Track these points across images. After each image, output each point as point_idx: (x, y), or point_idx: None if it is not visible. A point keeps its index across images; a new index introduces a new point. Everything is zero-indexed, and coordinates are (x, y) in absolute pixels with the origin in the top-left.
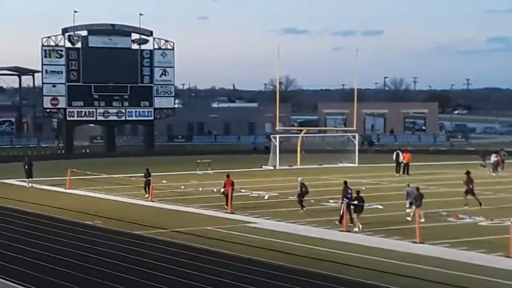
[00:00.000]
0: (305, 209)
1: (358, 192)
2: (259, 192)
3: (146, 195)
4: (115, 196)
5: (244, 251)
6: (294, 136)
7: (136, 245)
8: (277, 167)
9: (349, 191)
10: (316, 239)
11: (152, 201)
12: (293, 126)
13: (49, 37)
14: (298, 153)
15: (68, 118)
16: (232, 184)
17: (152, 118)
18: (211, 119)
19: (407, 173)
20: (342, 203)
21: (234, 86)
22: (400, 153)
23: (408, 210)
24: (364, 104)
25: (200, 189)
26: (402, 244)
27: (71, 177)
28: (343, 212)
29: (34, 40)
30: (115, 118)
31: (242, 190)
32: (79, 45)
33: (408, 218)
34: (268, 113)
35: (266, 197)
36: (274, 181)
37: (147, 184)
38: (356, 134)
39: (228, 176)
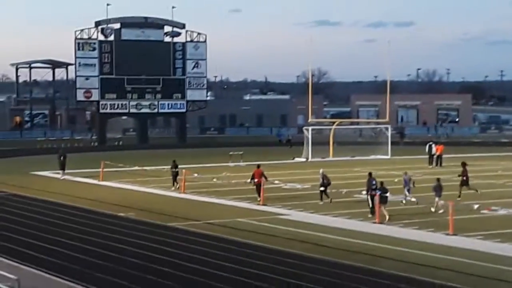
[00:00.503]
0: (327, 200)
1: (382, 183)
2: (292, 184)
3: (173, 188)
4: (148, 188)
5: (276, 243)
6: (326, 128)
7: (169, 237)
8: (309, 159)
9: (374, 182)
10: (349, 231)
11: (185, 193)
12: (326, 118)
13: (82, 30)
14: (331, 145)
15: (101, 111)
16: (262, 174)
17: (184, 110)
18: (243, 111)
19: (440, 165)
20: (368, 194)
21: (266, 79)
22: (433, 145)
23: (408, 198)
24: (396, 96)
25: (233, 181)
26: (435, 236)
27: (104, 169)
28: (373, 204)
29: (68, 33)
30: (147, 110)
31: (275, 182)
32: (112, 38)
33: (432, 209)
34: (300, 105)
35: (299, 189)
36: (307, 173)
37: (175, 175)
38: (389, 126)
39: (258, 166)
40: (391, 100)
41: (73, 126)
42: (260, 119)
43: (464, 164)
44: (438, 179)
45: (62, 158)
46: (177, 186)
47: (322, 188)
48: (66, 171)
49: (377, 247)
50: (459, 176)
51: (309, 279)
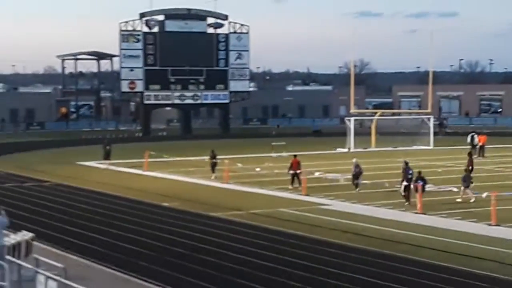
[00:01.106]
0: (358, 189)
1: (419, 172)
2: (334, 175)
3: (212, 177)
4: (192, 178)
5: (318, 233)
6: (368, 118)
7: (212, 227)
8: (351, 150)
9: (410, 172)
10: (392, 221)
11: (228, 183)
12: (368, 109)
13: (127, 22)
14: (373, 136)
15: (145, 102)
16: (299, 164)
17: (227, 101)
18: (286, 102)
19: (483, 156)
20: (402, 184)
21: (308, 69)
22: (476, 136)
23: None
24: (439, 87)
25: (275, 171)
26: (477, 226)
27: (148, 160)
28: (407, 193)
29: (113, 25)
30: (191, 101)
31: (317, 173)
32: (156, 29)
33: (459, 199)
34: (343, 96)
35: (341, 180)
36: (349, 163)
37: (213, 165)
38: (431, 117)
39: (295, 156)
40: (433, 90)
41: (118, 117)
42: (302, 110)
43: (470, 154)
44: (466, 170)
45: (107, 148)
46: (215, 176)
47: (355, 180)
48: (111, 161)
49: (419, 237)
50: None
51: (352, 269)
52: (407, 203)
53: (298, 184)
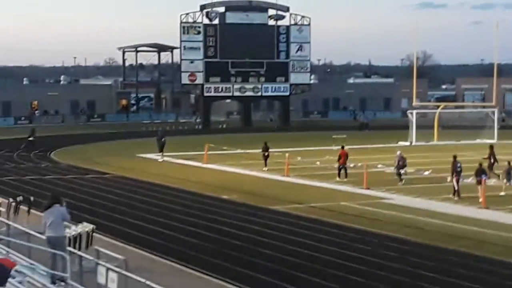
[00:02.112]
0: (403, 182)
1: (480, 164)
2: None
3: (264, 168)
4: (251, 171)
5: (379, 227)
6: (431, 112)
7: (272, 220)
8: (413, 143)
9: (459, 165)
10: (454, 216)
11: (288, 176)
12: (430, 101)
13: (187, 14)
14: (435, 129)
15: (205, 94)
16: (347, 156)
17: (288, 93)
18: (347, 95)
19: None
20: (453, 177)
21: (370, 62)
22: None
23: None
24: (504, 79)
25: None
26: None
27: (208, 152)
28: (458, 188)
29: (173, 17)
30: (251, 93)
31: (379, 166)
32: (216, 21)
33: (502, 193)
34: (405, 88)
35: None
36: (410, 157)
37: (266, 157)
38: (496, 110)
39: (343, 147)
40: (498, 83)
41: (178, 109)
42: (363, 102)
43: (491, 147)
44: (509, 162)
45: (162, 140)
46: (267, 168)
47: (401, 171)
48: (167, 153)
49: (481, 232)
50: (484, 159)
51: (413, 264)
52: (456, 197)
53: (345, 176)
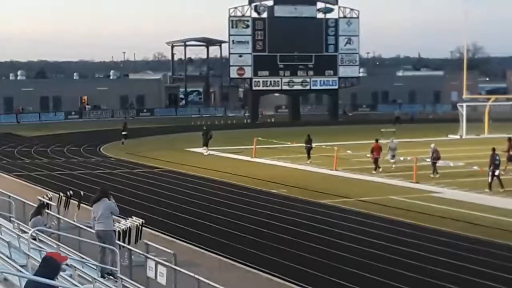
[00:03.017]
0: (438, 175)
1: None
2: (445, 162)
3: (308, 161)
4: (300, 165)
5: (429, 222)
6: (481, 104)
7: (321, 214)
8: (463, 137)
9: (497, 158)
10: (506, 209)
11: (337, 170)
12: (481, 94)
13: (236, 7)
14: (486, 122)
15: (253, 88)
16: (380, 149)
17: (336, 87)
18: (396, 88)
19: None
20: (490, 170)
21: (419, 54)
22: None
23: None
24: None
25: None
26: None
27: (257, 146)
28: (492, 179)
29: (222, 11)
30: (299, 87)
31: (427, 160)
32: (265, 15)
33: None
34: (454, 81)
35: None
36: (460, 150)
37: (309, 150)
38: None
39: (376, 140)
40: None
41: (226, 103)
42: (413, 95)
43: (510, 139)
44: None
45: (207, 135)
46: (310, 161)
47: (434, 161)
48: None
49: None
50: (504, 152)
51: (463, 259)
52: (488, 189)
53: (374, 169)
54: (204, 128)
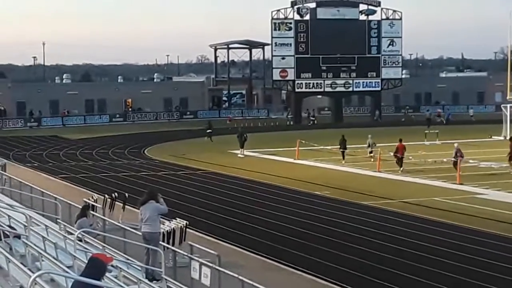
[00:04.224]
0: (460, 172)
1: None
2: (488, 163)
3: (343, 161)
4: (343, 166)
5: (473, 223)
6: None
7: (364, 215)
8: (507, 138)
9: None
10: None
11: (380, 172)
12: None
13: (278, 10)
14: None
15: (296, 90)
16: (404, 148)
17: (379, 89)
18: (439, 89)
19: None
20: None
21: (462, 55)
22: None
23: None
24: None
25: (429, 160)
26: None
27: (300, 148)
28: None
29: (264, 13)
30: (342, 89)
31: (470, 161)
32: (307, 17)
33: None
34: (498, 82)
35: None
36: (504, 151)
37: (343, 150)
38: None
39: (400, 140)
40: None
41: (269, 105)
42: (456, 97)
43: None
44: None
45: (244, 136)
46: (345, 161)
47: (454, 159)
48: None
49: None
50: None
51: (508, 260)
52: None
53: (400, 166)
54: (239, 130)
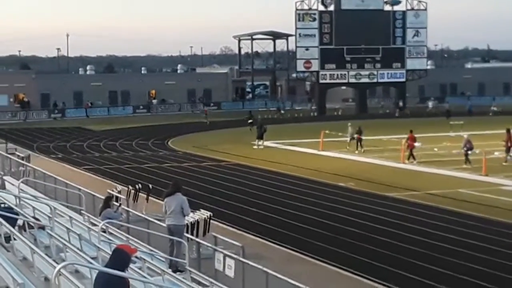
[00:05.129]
0: (469, 165)
1: None
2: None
3: (356, 151)
4: (367, 158)
5: (499, 215)
6: None
7: (389, 207)
8: None
9: None
10: None
11: (404, 163)
12: None
13: (302, 1)
14: None
15: (320, 81)
16: (414, 139)
17: (404, 79)
18: (464, 80)
19: None
20: None
21: (488, 46)
22: None
23: None
24: None
25: (454, 151)
26: None
27: (324, 139)
28: None
29: (288, 4)
30: (366, 80)
31: (496, 153)
32: (332, 8)
33: None
34: None
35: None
36: None
37: (358, 140)
38: None
39: (411, 131)
40: None
41: (293, 97)
42: (482, 88)
43: (508, 130)
44: None
45: (261, 128)
46: (362, 150)
47: (465, 152)
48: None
49: None
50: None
51: None
52: None
53: (413, 159)
54: (258, 121)
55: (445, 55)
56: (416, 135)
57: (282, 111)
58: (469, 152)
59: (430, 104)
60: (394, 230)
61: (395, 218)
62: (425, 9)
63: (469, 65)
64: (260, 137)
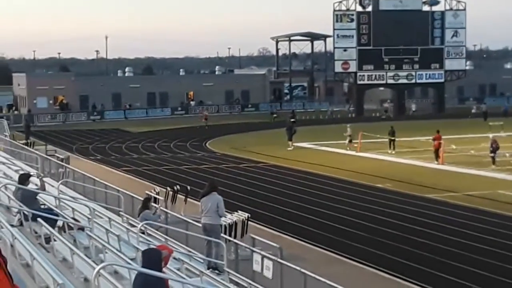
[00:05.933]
0: (496, 166)
1: None
2: None
3: (389, 151)
4: (405, 159)
5: None
6: None
7: (427, 208)
8: None
9: None
10: None
11: (443, 164)
12: None
13: (340, 1)
14: None
15: (358, 82)
16: (440, 139)
17: (442, 80)
18: (504, 81)
19: None
20: None
21: None
22: None
23: None
24: None
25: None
26: None
27: (362, 141)
28: None
29: (326, 5)
30: (405, 81)
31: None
32: (370, 8)
33: None
34: None
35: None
36: None
37: (391, 141)
38: None
39: (438, 131)
40: None
41: (331, 98)
42: None
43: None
44: None
45: (291, 129)
46: (393, 152)
47: (491, 154)
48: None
49: None
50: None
51: None
52: None
53: (436, 159)
54: (287, 122)
55: (484, 55)
56: (452, 136)
57: (275, 115)
58: (495, 152)
59: (474, 107)
60: (434, 231)
61: (433, 220)
62: (464, 9)
63: (508, 65)
64: (290, 139)
